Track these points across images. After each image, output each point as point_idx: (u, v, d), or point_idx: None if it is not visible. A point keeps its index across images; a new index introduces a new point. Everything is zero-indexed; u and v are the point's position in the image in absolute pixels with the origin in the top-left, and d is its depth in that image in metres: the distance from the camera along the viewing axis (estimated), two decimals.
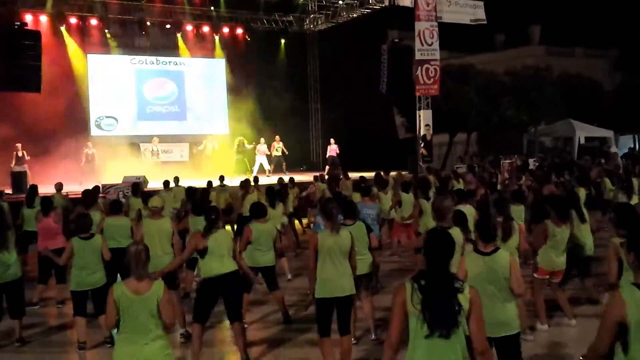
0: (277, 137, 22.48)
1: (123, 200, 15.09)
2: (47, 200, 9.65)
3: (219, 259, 6.58)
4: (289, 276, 10.74)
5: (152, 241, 7.12)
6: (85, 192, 11.37)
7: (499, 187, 14.79)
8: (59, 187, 13.27)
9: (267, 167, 21.74)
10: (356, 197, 10.54)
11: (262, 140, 22.10)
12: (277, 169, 21.95)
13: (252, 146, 21.97)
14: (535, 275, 7.59)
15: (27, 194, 11.43)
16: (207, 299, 6.71)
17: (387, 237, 12.77)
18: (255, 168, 21.67)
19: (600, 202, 13.03)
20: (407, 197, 11.39)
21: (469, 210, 7.72)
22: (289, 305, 8.66)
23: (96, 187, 13.30)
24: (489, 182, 12.68)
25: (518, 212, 8.70)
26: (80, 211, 10.41)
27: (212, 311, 6.79)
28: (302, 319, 8.11)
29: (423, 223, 9.79)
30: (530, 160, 23.44)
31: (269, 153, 21.99)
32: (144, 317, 4.54)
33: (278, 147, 22.32)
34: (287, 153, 22.48)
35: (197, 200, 10.82)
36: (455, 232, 5.90)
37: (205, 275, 6.71)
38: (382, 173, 14.73)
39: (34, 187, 11.97)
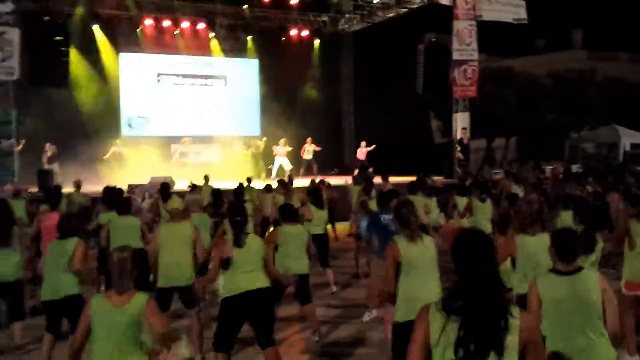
0: (309, 139, 21.74)
1: (148, 200, 14.84)
2: (52, 194, 9.07)
3: (246, 273, 5.58)
4: (334, 288, 9.70)
5: (170, 248, 6.43)
6: (108, 190, 10.99)
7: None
8: (77, 184, 12.90)
9: (287, 167, 20.70)
10: (372, 205, 9.80)
11: (283, 141, 21.16)
12: (307, 171, 21.26)
13: (261, 146, 21.36)
14: (623, 290, 6.26)
15: (47, 194, 10.77)
16: (232, 321, 5.64)
17: (443, 244, 11.73)
18: (275, 169, 20.91)
19: None
20: (463, 201, 10.44)
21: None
22: (325, 321, 7.93)
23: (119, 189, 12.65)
24: (539, 188, 11.87)
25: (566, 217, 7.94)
26: (100, 210, 10.07)
27: (237, 336, 5.77)
28: (338, 341, 7.33)
29: (471, 223, 9.11)
30: (573, 167, 22.43)
31: (288, 150, 21.06)
32: (121, 336, 3.89)
33: (309, 149, 21.59)
34: (319, 149, 21.60)
35: (236, 203, 9.75)
36: (542, 240, 5.04)
37: (228, 293, 5.64)
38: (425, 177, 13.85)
39: (57, 188, 11.51)
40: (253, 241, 5.74)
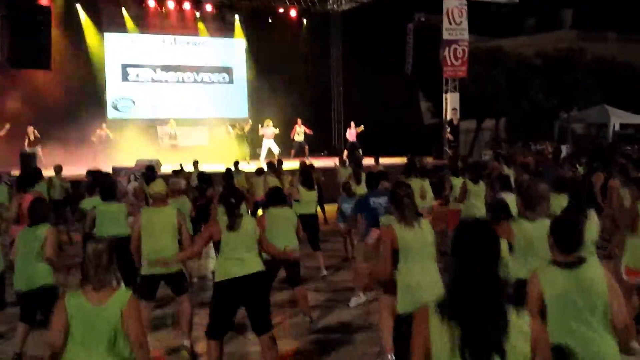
0: (299, 120, 21.25)
1: (135, 183, 14.57)
2: (25, 176, 8.73)
3: (239, 257, 5.34)
4: (324, 272, 9.51)
5: (152, 234, 6.15)
6: (92, 175, 10.74)
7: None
8: (57, 169, 12.61)
9: (275, 150, 20.26)
10: (359, 189, 9.55)
11: (269, 122, 20.49)
12: (298, 153, 20.91)
13: (246, 128, 21.14)
14: (624, 276, 5.93)
15: (19, 176, 10.37)
16: (225, 308, 5.37)
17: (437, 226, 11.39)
18: (263, 152, 20.45)
19: None
20: (458, 182, 9.94)
21: (511, 199, 6.78)
22: (316, 305, 7.77)
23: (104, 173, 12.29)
24: (528, 169, 11.64)
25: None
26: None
27: (232, 323, 5.51)
28: (331, 326, 7.17)
29: (466, 207, 8.89)
30: (563, 148, 22.32)
31: (276, 133, 20.55)
32: (101, 336, 3.52)
33: (300, 131, 21.18)
34: (310, 132, 21.29)
35: (228, 186, 9.06)
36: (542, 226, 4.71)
37: (220, 277, 5.38)
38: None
39: (34, 170, 11.22)
40: (247, 223, 5.48)
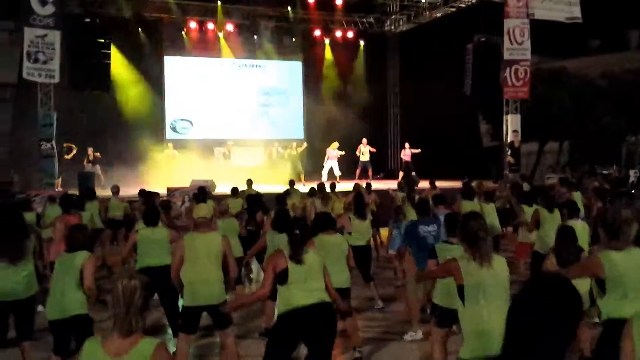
0: (364, 140, 21.29)
1: (188, 204, 14.51)
2: (67, 198, 8.62)
3: (306, 287, 4.91)
4: (380, 304, 8.98)
5: (196, 262, 5.82)
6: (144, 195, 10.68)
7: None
8: (115, 189, 12.62)
9: (337, 173, 20.45)
10: (412, 213, 9.11)
11: (336, 144, 20.90)
12: (363, 174, 20.77)
13: (299, 149, 21.07)
14: None
15: (62, 197, 10.21)
16: (285, 342, 4.93)
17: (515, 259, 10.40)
18: (325, 172, 20.57)
19: None
20: (530, 210, 9.35)
21: (581, 227, 6.29)
22: (369, 338, 7.39)
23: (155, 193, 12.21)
24: (602, 196, 10.98)
25: None
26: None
27: None
28: None
29: (539, 237, 8.32)
30: (631, 172, 21.32)
31: (340, 155, 20.77)
32: None
33: (365, 151, 21.10)
34: (374, 151, 21.27)
35: (281, 210, 8.54)
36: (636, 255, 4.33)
37: (284, 308, 4.91)
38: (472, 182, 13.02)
39: (90, 189, 11.25)
40: (313, 256, 5.07)
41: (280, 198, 10.79)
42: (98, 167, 18.72)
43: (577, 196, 11.17)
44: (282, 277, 4.92)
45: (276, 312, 5.16)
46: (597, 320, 4.51)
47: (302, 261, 4.96)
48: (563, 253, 5.38)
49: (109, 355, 2.97)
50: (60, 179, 17.56)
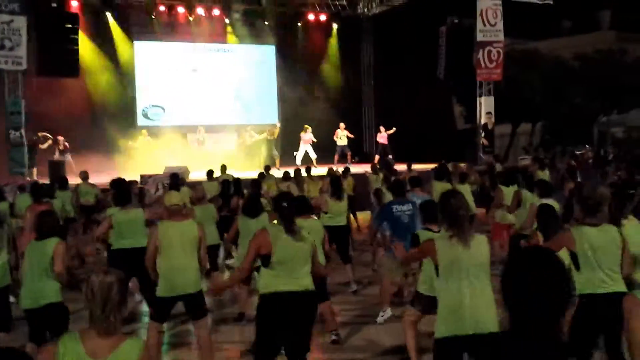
0: (342, 125, 21.22)
1: (161, 192, 14.38)
2: (38, 187, 8.43)
3: (288, 272, 4.79)
4: (354, 286, 8.96)
5: (172, 250, 5.67)
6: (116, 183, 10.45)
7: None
8: (84, 175, 12.41)
9: (313, 156, 20.38)
10: (390, 197, 9.08)
11: (308, 128, 20.78)
12: (342, 158, 20.67)
13: (275, 132, 20.92)
14: None
15: (32, 186, 9.98)
16: (269, 327, 4.84)
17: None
18: (299, 157, 20.47)
19: None
20: (509, 190, 9.31)
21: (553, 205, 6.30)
22: (344, 322, 7.36)
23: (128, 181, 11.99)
24: (573, 174, 11.07)
25: None
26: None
27: (279, 348, 4.91)
28: (359, 345, 6.73)
29: (521, 217, 8.31)
30: (609, 151, 21.55)
31: (314, 141, 20.70)
32: None
33: (342, 135, 21.05)
34: (352, 137, 21.24)
35: (251, 195, 8.45)
36: (613, 232, 4.46)
37: (265, 290, 4.82)
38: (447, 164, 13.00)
39: (62, 178, 11.03)
40: (304, 237, 4.96)
41: (256, 182, 10.65)
42: (69, 155, 18.39)
43: (545, 175, 11.27)
44: (265, 259, 4.81)
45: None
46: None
47: (295, 232, 4.84)
48: (548, 229, 5.40)
49: (90, 356, 2.81)
50: (35, 169, 17.28)
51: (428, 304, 5.47)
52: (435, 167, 12.17)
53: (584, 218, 4.55)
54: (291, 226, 4.85)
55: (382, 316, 7.47)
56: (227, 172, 14.65)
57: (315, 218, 7.04)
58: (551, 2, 22.05)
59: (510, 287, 2.01)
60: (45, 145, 17.89)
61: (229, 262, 10.59)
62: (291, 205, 5.00)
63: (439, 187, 9.42)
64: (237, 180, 12.10)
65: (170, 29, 23.19)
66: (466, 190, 10.22)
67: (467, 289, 4.01)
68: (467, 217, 4.18)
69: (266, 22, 24.40)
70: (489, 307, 4.03)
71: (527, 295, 1.96)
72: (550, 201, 6.56)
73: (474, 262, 4.06)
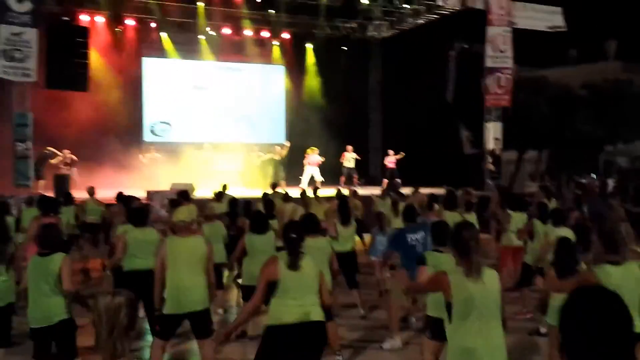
0: (349, 147, 21.09)
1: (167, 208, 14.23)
2: (46, 200, 8.34)
3: (296, 301, 4.68)
4: (362, 311, 8.82)
5: (180, 267, 5.54)
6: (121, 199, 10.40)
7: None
8: (90, 190, 12.29)
9: (318, 178, 20.15)
10: (397, 222, 8.97)
11: (315, 150, 20.58)
12: (348, 180, 20.55)
13: (282, 152, 20.78)
14: None
15: (39, 199, 9.93)
16: (269, 357, 4.69)
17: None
18: (305, 179, 20.24)
19: None
20: (519, 217, 9.23)
21: (566, 234, 6.19)
22: (348, 345, 7.22)
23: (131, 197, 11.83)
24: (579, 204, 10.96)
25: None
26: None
27: None
28: None
29: (533, 250, 8.19)
30: (609, 181, 21.44)
31: (320, 162, 20.52)
32: None
33: (350, 157, 20.93)
34: (359, 158, 21.12)
35: (259, 213, 8.28)
36: (636, 270, 4.16)
37: (271, 322, 4.71)
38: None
39: (67, 194, 10.94)
40: (308, 263, 4.81)
41: (268, 201, 10.50)
42: (74, 169, 18.33)
43: (554, 204, 11.12)
44: (272, 287, 4.69)
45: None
46: None
47: (298, 267, 4.73)
48: (564, 266, 5.23)
49: None
50: (43, 181, 17.22)
51: (437, 328, 5.34)
52: (444, 195, 11.98)
53: (605, 254, 4.28)
54: (296, 261, 4.73)
55: (391, 344, 7.33)
56: (229, 191, 14.49)
57: (323, 238, 6.95)
58: (564, 29, 22.04)
59: (572, 334, 1.85)
60: (55, 160, 17.83)
61: (240, 280, 10.48)
62: (299, 238, 4.89)
63: (449, 218, 9.27)
64: (247, 202, 11.95)
65: (179, 46, 23.26)
66: (473, 219, 10.11)
67: (479, 327, 3.87)
68: (477, 250, 4.05)
69: (276, 43, 24.47)
70: (502, 350, 3.91)
71: (595, 343, 1.80)
72: (565, 230, 6.46)
73: (486, 297, 3.91)
